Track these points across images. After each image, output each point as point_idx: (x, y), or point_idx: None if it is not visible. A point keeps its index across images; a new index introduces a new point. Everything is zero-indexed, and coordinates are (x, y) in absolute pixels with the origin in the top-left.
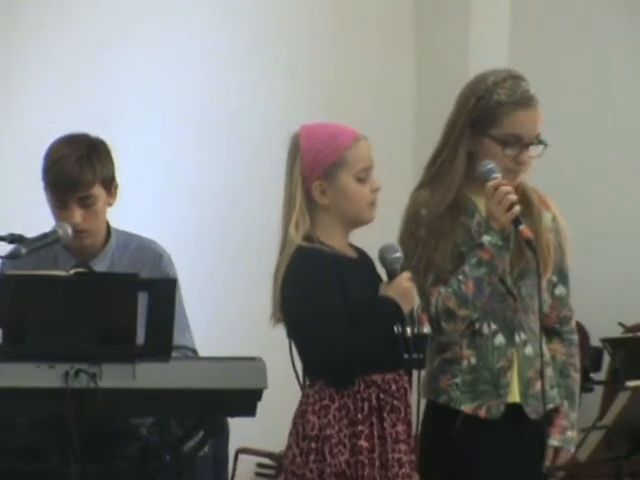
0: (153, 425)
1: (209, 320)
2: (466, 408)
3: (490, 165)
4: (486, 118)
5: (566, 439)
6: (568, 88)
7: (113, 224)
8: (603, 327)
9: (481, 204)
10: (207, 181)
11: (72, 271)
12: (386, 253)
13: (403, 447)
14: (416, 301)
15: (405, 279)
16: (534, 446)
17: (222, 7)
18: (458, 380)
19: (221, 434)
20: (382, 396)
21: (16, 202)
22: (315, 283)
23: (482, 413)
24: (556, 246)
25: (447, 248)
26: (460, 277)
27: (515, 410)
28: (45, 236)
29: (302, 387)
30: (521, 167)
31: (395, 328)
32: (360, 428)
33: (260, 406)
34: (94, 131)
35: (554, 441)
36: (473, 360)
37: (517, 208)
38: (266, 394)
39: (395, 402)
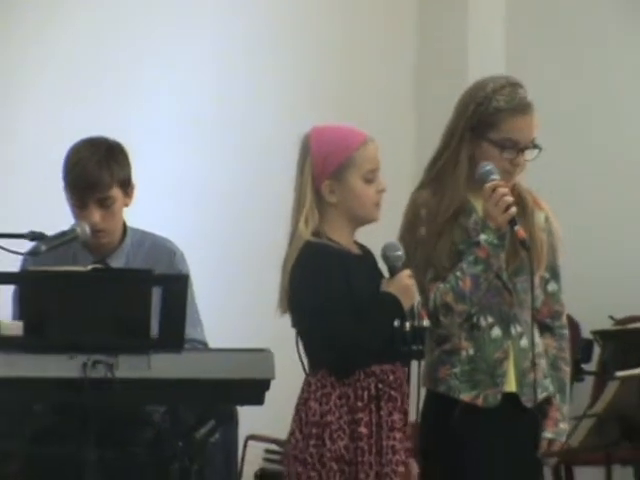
0: (166, 413)
1: (220, 313)
2: (464, 397)
3: (489, 167)
4: (485, 123)
5: (559, 431)
6: (563, 89)
7: (130, 222)
8: (594, 320)
9: (478, 204)
10: (217, 181)
11: (90, 267)
12: (388, 251)
13: (398, 435)
14: (416, 297)
15: (406, 276)
16: (530, 434)
17: (232, 10)
18: (457, 370)
19: (231, 422)
20: (380, 386)
21: (36, 201)
22: (321, 277)
23: (480, 402)
24: (548, 245)
25: (445, 246)
26: (458, 273)
27: (511, 399)
28: (64, 234)
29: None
30: (517, 169)
31: (395, 322)
32: (360, 415)
33: (268, 395)
34: (105, 133)
35: (548, 433)
36: (471, 351)
37: (513, 209)
38: (273, 384)
39: (392, 392)
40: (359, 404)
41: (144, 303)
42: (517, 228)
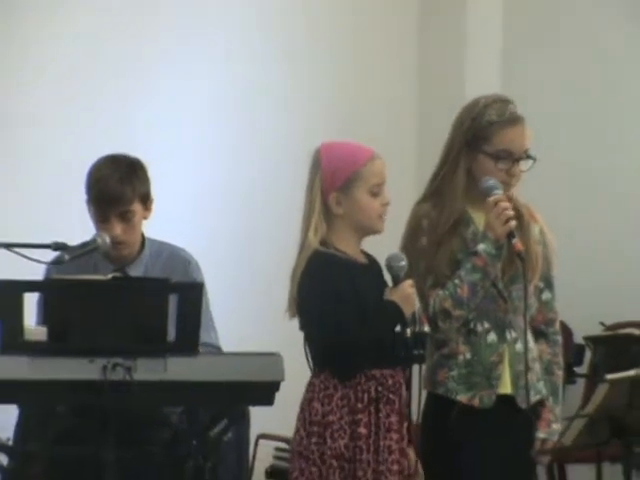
0: (182, 413)
1: (233, 319)
2: (461, 398)
3: (492, 182)
4: (479, 136)
5: (551, 431)
6: (557, 101)
7: (151, 233)
8: (585, 326)
9: (476, 216)
10: (229, 192)
11: (110, 276)
12: (392, 261)
13: (395, 436)
14: (417, 304)
15: (408, 285)
16: (524, 434)
17: (245, 23)
18: (454, 373)
19: (243, 421)
20: (380, 389)
21: (56, 212)
22: (328, 284)
23: (476, 403)
24: (543, 256)
25: (445, 255)
26: (456, 281)
27: (507, 401)
28: (85, 244)
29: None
30: (513, 179)
31: (397, 328)
32: (359, 416)
33: (278, 396)
34: (125, 148)
35: (541, 434)
36: (468, 355)
37: (513, 223)
38: (283, 385)
39: (391, 395)
40: (359, 406)
41: (161, 310)
42: (515, 241)
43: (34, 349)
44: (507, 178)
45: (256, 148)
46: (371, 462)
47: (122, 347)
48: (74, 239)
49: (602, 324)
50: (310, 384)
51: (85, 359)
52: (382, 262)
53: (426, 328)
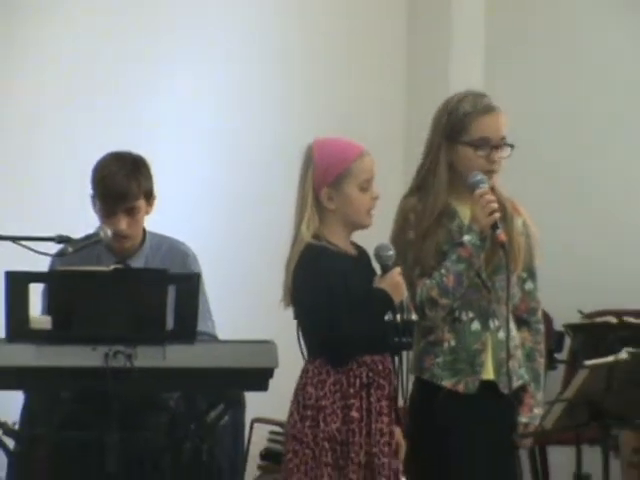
0: (180, 398)
1: (229, 308)
2: (446, 384)
3: (479, 176)
4: (456, 129)
5: (533, 416)
6: (540, 99)
7: (154, 227)
8: (565, 314)
9: (460, 209)
10: (227, 190)
11: (111, 267)
12: (381, 251)
13: (385, 419)
14: (406, 292)
15: (396, 274)
16: (506, 418)
17: (248, 26)
18: (440, 360)
19: (238, 406)
20: (370, 374)
21: (60, 209)
22: (320, 276)
23: (460, 388)
24: (526, 248)
25: (431, 247)
26: (442, 271)
27: (489, 387)
28: (88, 237)
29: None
30: (493, 165)
31: (387, 316)
32: (352, 401)
33: (272, 382)
34: (124, 147)
35: (523, 418)
36: (453, 343)
37: (497, 215)
38: (277, 371)
39: (381, 380)
40: (351, 391)
41: (160, 299)
42: (499, 232)
43: (39, 337)
44: (487, 164)
45: (252, 147)
46: (363, 445)
47: (123, 335)
48: (75, 233)
49: (581, 312)
50: (304, 370)
51: (88, 347)
52: (370, 253)
53: (414, 316)
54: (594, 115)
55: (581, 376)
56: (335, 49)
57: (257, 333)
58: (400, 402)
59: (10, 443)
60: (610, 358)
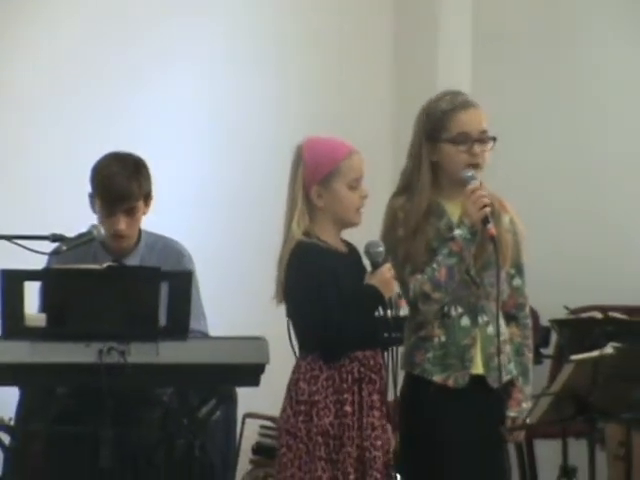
0: (173, 394)
1: (221, 305)
2: (437, 378)
3: (470, 173)
4: (436, 127)
5: (521, 410)
6: (526, 96)
7: (150, 226)
8: (551, 310)
9: (448, 207)
10: (221, 190)
11: (105, 265)
12: (371, 248)
13: (377, 413)
14: (395, 288)
15: (386, 270)
16: (495, 412)
17: (244, 26)
18: (430, 355)
19: (230, 401)
20: (362, 370)
21: (56, 206)
22: (312, 273)
23: (450, 383)
24: (513, 244)
25: (421, 244)
26: (434, 265)
27: (479, 381)
28: (81, 235)
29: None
30: (477, 159)
31: (377, 312)
32: (345, 396)
33: (263, 377)
34: (119, 146)
35: (512, 412)
36: (443, 338)
37: (488, 209)
38: (268, 367)
39: (372, 375)
40: (344, 386)
41: (153, 297)
42: (489, 226)
43: (34, 334)
44: (470, 158)
45: (247, 147)
46: (355, 438)
47: (116, 332)
48: (71, 232)
49: (566, 308)
50: (297, 366)
51: (82, 343)
52: (360, 250)
53: (402, 312)
54: (581, 113)
55: (567, 371)
56: (325, 49)
57: (248, 329)
58: (390, 397)
59: (6, 439)
60: (595, 353)
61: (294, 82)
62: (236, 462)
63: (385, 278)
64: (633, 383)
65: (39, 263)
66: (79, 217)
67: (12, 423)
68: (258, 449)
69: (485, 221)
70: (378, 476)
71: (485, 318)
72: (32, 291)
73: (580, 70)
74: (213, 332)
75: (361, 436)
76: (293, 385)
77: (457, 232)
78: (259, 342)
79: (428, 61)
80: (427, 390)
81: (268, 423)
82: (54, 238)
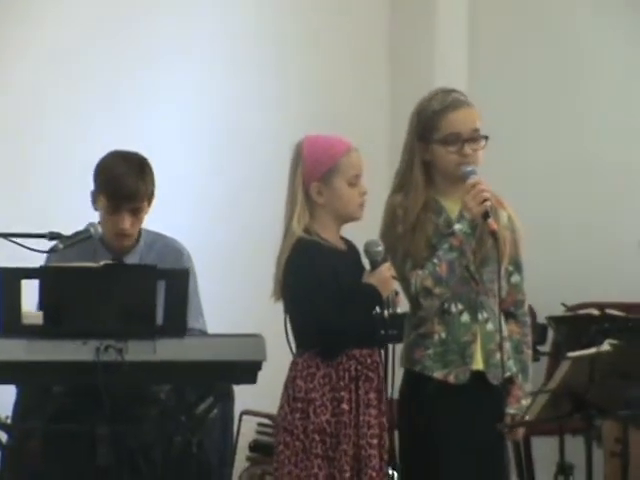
0: (170, 391)
1: (219, 303)
2: (437, 375)
3: (470, 168)
4: (427, 127)
5: (521, 407)
6: (522, 95)
7: (149, 225)
8: (548, 307)
9: (446, 204)
10: (216, 183)
11: (102, 263)
12: (370, 247)
13: (373, 412)
14: (393, 288)
15: (385, 269)
16: (495, 408)
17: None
18: (430, 352)
19: (227, 398)
20: (359, 368)
21: (55, 204)
22: (312, 270)
23: (451, 379)
24: (511, 241)
25: (421, 240)
26: (435, 260)
27: (478, 377)
28: (79, 233)
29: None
30: (467, 160)
31: (374, 310)
32: (342, 394)
33: (260, 375)
34: (126, 143)
35: (511, 409)
36: (443, 335)
37: (488, 203)
38: (265, 365)
39: (369, 373)
40: (341, 383)
41: (150, 295)
42: (490, 220)
43: (31, 332)
44: (460, 159)
45: (245, 146)
46: (352, 436)
47: (114, 330)
48: (69, 231)
49: (564, 305)
50: (294, 363)
51: (79, 341)
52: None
53: (398, 310)
54: (579, 112)
55: (564, 368)
56: (324, 49)
57: (246, 327)
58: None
59: (3, 437)
60: (592, 350)
61: (293, 82)
62: (233, 459)
63: (384, 277)
64: (630, 380)
65: (37, 261)
66: (77, 215)
67: (9, 421)
68: (255, 446)
69: (485, 215)
70: (374, 474)
71: (485, 314)
72: (30, 289)
73: (577, 68)
74: (211, 330)
75: (357, 434)
76: (290, 382)
77: (457, 226)
78: (256, 339)
79: (425, 60)
80: (427, 387)
81: (265, 420)
82: (51, 236)
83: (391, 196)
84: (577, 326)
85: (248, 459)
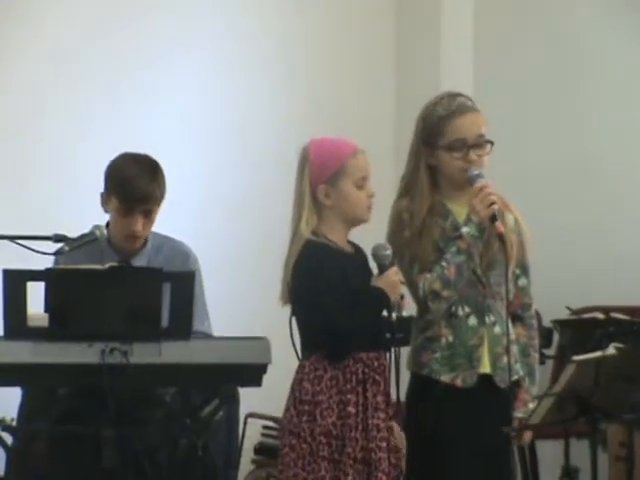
0: (176, 394)
1: (224, 305)
2: (444, 378)
3: (477, 172)
4: (433, 133)
5: (528, 411)
6: (527, 98)
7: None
8: (553, 310)
9: (454, 208)
10: (226, 192)
11: (107, 265)
12: (378, 250)
13: (382, 415)
14: (401, 291)
15: (393, 273)
16: (502, 411)
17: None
18: (437, 355)
19: (233, 401)
20: (366, 371)
21: (59, 206)
22: (320, 272)
23: (459, 382)
24: (518, 244)
25: (428, 243)
26: (443, 264)
27: (486, 381)
28: (84, 236)
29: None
30: (473, 165)
31: (383, 313)
32: (349, 396)
33: (265, 378)
34: (132, 145)
35: (518, 413)
36: (450, 338)
37: (496, 206)
38: (270, 367)
39: (377, 376)
40: (348, 386)
41: (155, 297)
42: (497, 223)
43: (37, 335)
44: (466, 165)
45: (250, 147)
46: (359, 440)
47: (119, 332)
48: (73, 233)
49: (569, 308)
50: (300, 366)
51: (84, 344)
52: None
53: (405, 313)
54: (584, 114)
55: (569, 371)
56: (327, 50)
57: (252, 329)
58: (393, 397)
59: (8, 439)
60: (598, 353)
61: (299, 82)
62: (238, 462)
63: (392, 281)
64: (635, 384)
65: (39, 263)
66: (78, 215)
67: (14, 423)
68: (260, 449)
69: (493, 219)
70: (384, 478)
71: (492, 318)
72: (35, 291)
73: (577, 68)
74: (218, 332)
75: (366, 437)
76: (297, 385)
77: (464, 230)
78: (261, 342)
79: (430, 61)
80: (434, 390)
81: (270, 423)
82: (57, 239)
83: (397, 200)
84: (582, 330)
85: (253, 462)
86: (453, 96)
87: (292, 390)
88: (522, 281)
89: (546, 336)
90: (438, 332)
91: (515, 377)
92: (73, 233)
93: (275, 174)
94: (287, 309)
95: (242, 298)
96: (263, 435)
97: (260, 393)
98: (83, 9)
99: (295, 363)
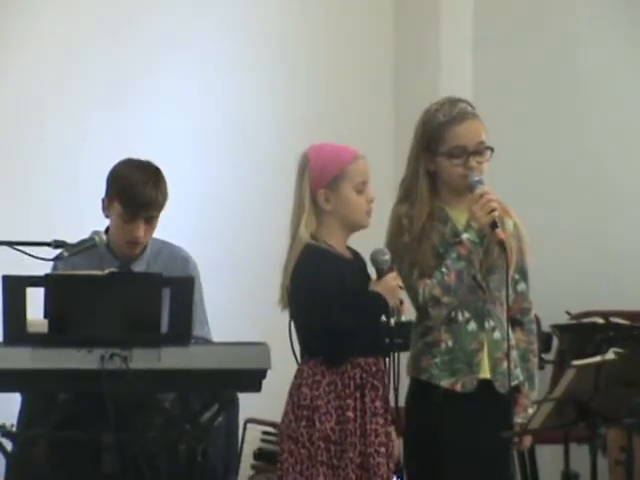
0: (175, 399)
1: (224, 311)
2: (444, 384)
3: (477, 178)
4: (433, 139)
5: (527, 416)
6: (525, 100)
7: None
8: (552, 315)
9: (453, 213)
10: (224, 197)
11: (106, 271)
12: (376, 256)
13: (380, 420)
14: (399, 297)
15: (392, 278)
16: (501, 416)
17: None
18: (437, 360)
19: (232, 407)
20: (364, 376)
21: (58, 212)
22: (319, 276)
23: (458, 387)
24: (517, 249)
25: (427, 249)
26: (443, 269)
27: (486, 386)
28: (84, 242)
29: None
30: (473, 172)
31: (381, 318)
32: (347, 402)
33: (265, 383)
34: (133, 149)
35: (519, 418)
36: (450, 343)
37: (496, 213)
38: (269, 373)
39: (375, 382)
40: (346, 391)
41: (155, 302)
42: (498, 230)
43: (36, 340)
44: (466, 171)
45: (251, 149)
46: (358, 445)
47: (118, 338)
48: (73, 238)
49: (568, 313)
50: (299, 371)
51: (84, 349)
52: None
53: (403, 318)
54: (584, 114)
55: (569, 376)
56: (327, 52)
57: (251, 334)
58: (391, 402)
59: (8, 445)
60: (597, 358)
61: (299, 84)
62: (238, 467)
63: (390, 286)
64: (635, 388)
65: (38, 268)
66: (77, 215)
67: (14, 429)
68: (260, 454)
69: (493, 225)
70: None
71: (492, 323)
72: (35, 297)
73: (582, 74)
74: (217, 337)
75: (365, 443)
76: (295, 390)
77: (465, 236)
78: (261, 347)
79: (430, 63)
80: (433, 395)
81: (270, 429)
82: (56, 244)
83: (396, 206)
84: (582, 334)
85: (252, 467)
86: (454, 102)
87: (290, 395)
88: (521, 286)
89: (545, 341)
90: (438, 337)
91: (515, 382)
92: (72, 239)
93: (275, 177)
94: (286, 313)
95: (241, 302)
96: (262, 440)
97: (260, 398)
98: (83, 9)
99: (294, 368)
